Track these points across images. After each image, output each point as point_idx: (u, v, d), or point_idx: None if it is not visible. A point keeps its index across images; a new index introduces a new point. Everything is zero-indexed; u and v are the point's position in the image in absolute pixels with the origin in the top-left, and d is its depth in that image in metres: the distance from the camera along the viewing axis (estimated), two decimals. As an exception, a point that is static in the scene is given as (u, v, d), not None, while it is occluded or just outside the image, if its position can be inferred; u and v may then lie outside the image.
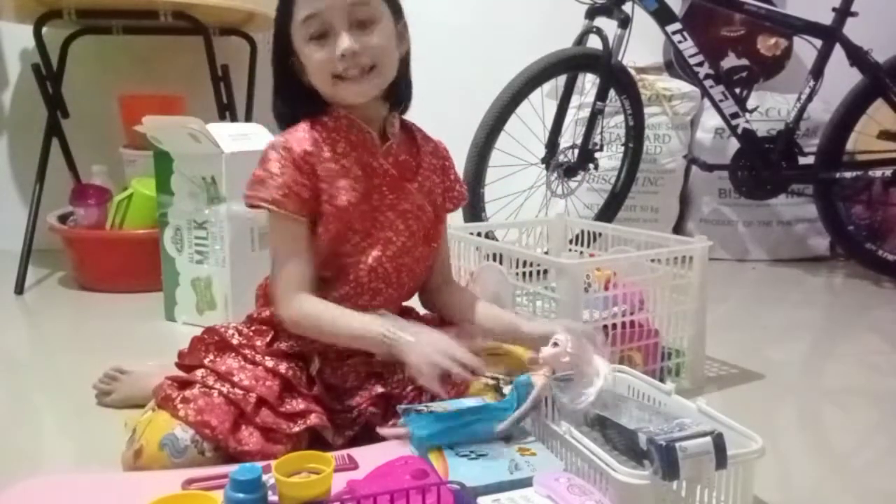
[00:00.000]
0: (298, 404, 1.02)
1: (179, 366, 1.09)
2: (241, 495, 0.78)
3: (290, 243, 1.06)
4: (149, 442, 0.98)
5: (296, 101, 1.10)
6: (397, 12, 1.08)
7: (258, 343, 1.08)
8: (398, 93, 1.12)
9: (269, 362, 1.05)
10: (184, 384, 1.04)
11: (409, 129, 1.17)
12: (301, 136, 1.07)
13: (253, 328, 1.11)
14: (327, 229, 1.06)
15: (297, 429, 1.00)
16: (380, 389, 1.07)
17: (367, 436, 1.04)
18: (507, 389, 1.05)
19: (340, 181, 1.07)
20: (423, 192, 1.13)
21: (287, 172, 1.04)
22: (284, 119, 1.11)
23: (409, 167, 1.13)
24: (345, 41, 1.01)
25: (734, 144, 2.31)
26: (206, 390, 1.01)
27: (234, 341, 1.08)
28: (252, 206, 1.06)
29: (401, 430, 0.99)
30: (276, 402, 1.01)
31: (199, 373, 1.04)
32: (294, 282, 1.05)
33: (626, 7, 2.11)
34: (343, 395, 1.07)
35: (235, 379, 1.02)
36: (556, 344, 0.99)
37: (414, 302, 1.23)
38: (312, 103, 1.09)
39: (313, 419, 1.01)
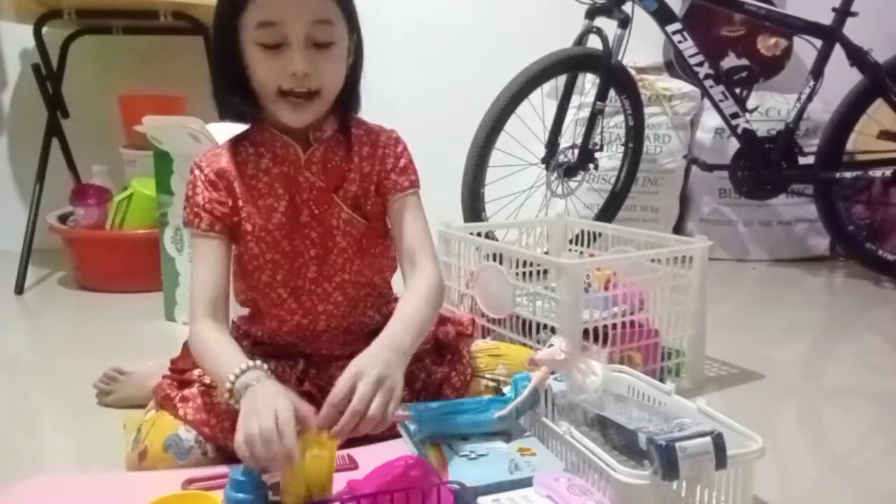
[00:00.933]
0: None
1: (173, 370, 1.09)
2: (240, 495, 0.78)
3: (201, 261, 1.03)
4: (153, 443, 0.98)
5: (236, 96, 1.01)
6: (354, 28, 1.03)
7: (245, 344, 1.09)
8: (343, 103, 1.06)
9: (258, 361, 1.04)
10: (183, 383, 1.04)
11: (346, 128, 1.08)
12: (218, 152, 1.06)
13: (240, 332, 1.13)
14: (248, 248, 1.05)
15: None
16: None
17: (367, 436, 1.04)
18: (506, 389, 1.05)
19: (262, 200, 1.04)
20: (347, 199, 1.06)
21: (199, 192, 1.03)
22: (232, 113, 1.04)
23: (338, 174, 1.06)
24: (299, 62, 0.95)
25: (734, 144, 2.31)
26: (204, 389, 1.02)
27: None
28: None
29: (403, 413, 0.99)
30: None
31: (196, 372, 1.04)
32: (201, 300, 1.00)
33: (626, 7, 2.11)
34: None
35: None
36: (551, 345, 1.00)
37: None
38: (252, 101, 1.02)
39: (309, 420, 1.01)
